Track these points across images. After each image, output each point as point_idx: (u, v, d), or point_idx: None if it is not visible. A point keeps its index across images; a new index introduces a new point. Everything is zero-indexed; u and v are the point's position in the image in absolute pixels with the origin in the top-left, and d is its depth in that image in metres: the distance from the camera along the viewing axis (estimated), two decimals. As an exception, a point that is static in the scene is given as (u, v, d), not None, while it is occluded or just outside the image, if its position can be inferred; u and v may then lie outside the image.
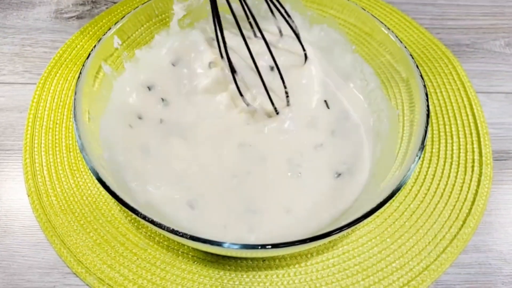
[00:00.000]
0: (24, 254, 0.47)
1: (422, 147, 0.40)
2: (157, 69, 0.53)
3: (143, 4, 0.50)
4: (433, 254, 0.47)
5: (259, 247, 0.35)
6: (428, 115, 0.42)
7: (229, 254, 0.45)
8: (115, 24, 0.47)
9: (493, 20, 0.69)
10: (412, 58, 0.46)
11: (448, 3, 0.71)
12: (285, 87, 0.50)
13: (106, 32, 0.47)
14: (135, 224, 0.48)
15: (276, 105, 0.50)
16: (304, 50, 0.53)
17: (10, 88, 0.59)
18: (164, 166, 0.47)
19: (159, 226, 0.35)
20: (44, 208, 0.49)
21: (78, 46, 0.62)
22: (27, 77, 0.60)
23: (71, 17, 0.67)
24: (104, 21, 0.65)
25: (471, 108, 0.58)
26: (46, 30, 0.65)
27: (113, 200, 0.38)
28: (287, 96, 0.51)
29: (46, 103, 0.57)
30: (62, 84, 0.58)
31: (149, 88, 0.52)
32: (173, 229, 0.35)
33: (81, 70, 0.43)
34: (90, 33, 0.63)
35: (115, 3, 0.68)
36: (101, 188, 0.49)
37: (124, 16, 0.48)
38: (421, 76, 0.44)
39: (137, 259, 0.46)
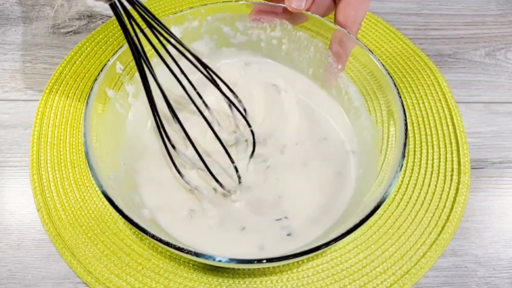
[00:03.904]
0: (37, 266, 0.53)
1: (400, 167, 0.46)
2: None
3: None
4: (413, 259, 0.53)
5: (255, 262, 0.41)
6: (406, 135, 0.48)
7: (226, 266, 0.51)
8: (117, 51, 0.53)
9: (474, 29, 0.75)
10: (392, 79, 0.51)
11: (432, 12, 0.77)
12: (232, 162, 0.53)
13: (109, 59, 0.52)
14: (139, 236, 0.54)
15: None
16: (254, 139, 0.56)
17: (13, 105, 0.64)
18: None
19: (166, 244, 0.41)
20: (53, 222, 0.55)
21: (77, 62, 0.67)
22: (29, 94, 0.65)
23: (68, 32, 0.72)
24: (100, 36, 0.70)
25: (451, 119, 0.64)
26: (44, 46, 0.70)
27: (118, 214, 0.43)
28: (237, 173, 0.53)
29: (49, 120, 0.62)
30: (63, 101, 0.64)
31: None
32: (179, 247, 0.41)
33: (87, 99, 0.49)
34: (88, 48, 0.69)
35: (110, 17, 0.73)
36: (106, 202, 0.55)
37: (124, 45, 0.53)
38: (399, 96, 0.50)
39: (142, 268, 0.52)
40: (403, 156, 0.47)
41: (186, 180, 0.52)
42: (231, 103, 0.54)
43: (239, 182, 0.53)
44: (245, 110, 0.56)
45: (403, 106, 0.49)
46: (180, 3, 0.76)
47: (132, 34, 0.45)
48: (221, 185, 0.52)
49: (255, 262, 0.41)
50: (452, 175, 0.59)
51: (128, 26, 0.44)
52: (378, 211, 0.44)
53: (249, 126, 0.55)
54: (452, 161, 0.60)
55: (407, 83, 0.67)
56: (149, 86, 0.47)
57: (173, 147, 0.51)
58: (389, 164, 0.49)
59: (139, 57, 0.46)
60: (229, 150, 0.51)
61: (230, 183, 0.53)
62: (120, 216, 0.43)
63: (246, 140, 0.57)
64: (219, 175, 0.52)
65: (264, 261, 0.41)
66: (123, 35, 0.68)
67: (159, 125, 0.49)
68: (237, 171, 0.53)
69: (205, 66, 0.51)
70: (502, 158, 0.62)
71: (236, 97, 0.55)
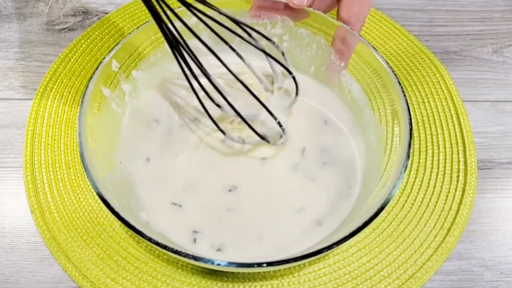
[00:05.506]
0: (31, 270, 0.53)
1: (405, 168, 0.46)
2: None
3: (139, 27, 0.55)
4: (418, 262, 0.53)
5: (255, 265, 0.41)
6: (411, 135, 0.48)
7: (225, 270, 0.51)
8: (113, 48, 0.53)
9: (481, 26, 0.75)
10: (396, 77, 0.51)
11: (437, 8, 0.76)
12: (275, 119, 0.53)
13: (105, 57, 0.52)
14: (136, 238, 0.54)
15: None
16: (296, 86, 0.57)
17: (6, 104, 0.64)
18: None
19: (164, 247, 0.41)
20: (47, 225, 0.55)
21: (72, 60, 0.67)
22: (22, 93, 0.65)
23: (63, 29, 0.72)
24: (96, 33, 0.70)
25: (458, 118, 0.63)
26: (38, 43, 0.70)
27: (114, 216, 0.43)
28: (281, 126, 0.54)
29: (43, 119, 0.62)
30: (58, 100, 0.64)
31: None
32: (176, 250, 0.41)
33: (83, 98, 0.49)
34: (83, 46, 0.69)
35: (106, 13, 0.73)
36: (102, 204, 0.55)
37: (120, 42, 0.53)
38: (404, 94, 0.50)
39: (139, 272, 0.52)
40: (408, 156, 0.46)
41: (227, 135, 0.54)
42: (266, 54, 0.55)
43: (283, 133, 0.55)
44: (283, 53, 0.57)
45: (407, 105, 0.49)
46: (178, -1, 0.76)
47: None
48: (255, 131, 0.52)
49: (255, 265, 0.41)
50: (458, 176, 0.59)
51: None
52: (381, 213, 0.44)
53: (290, 73, 0.56)
54: (458, 161, 0.60)
55: (412, 81, 0.67)
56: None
57: (218, 106, 0.51)
58: (393, 165, 0.49)
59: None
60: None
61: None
62: (116, 219, 0.43)
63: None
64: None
65: (264, 264, 0.41)
66: (119, 32, 0.69)
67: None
68: (280, 125, 0.54)
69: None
70: (510, 159, 0.61)
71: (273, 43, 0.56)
